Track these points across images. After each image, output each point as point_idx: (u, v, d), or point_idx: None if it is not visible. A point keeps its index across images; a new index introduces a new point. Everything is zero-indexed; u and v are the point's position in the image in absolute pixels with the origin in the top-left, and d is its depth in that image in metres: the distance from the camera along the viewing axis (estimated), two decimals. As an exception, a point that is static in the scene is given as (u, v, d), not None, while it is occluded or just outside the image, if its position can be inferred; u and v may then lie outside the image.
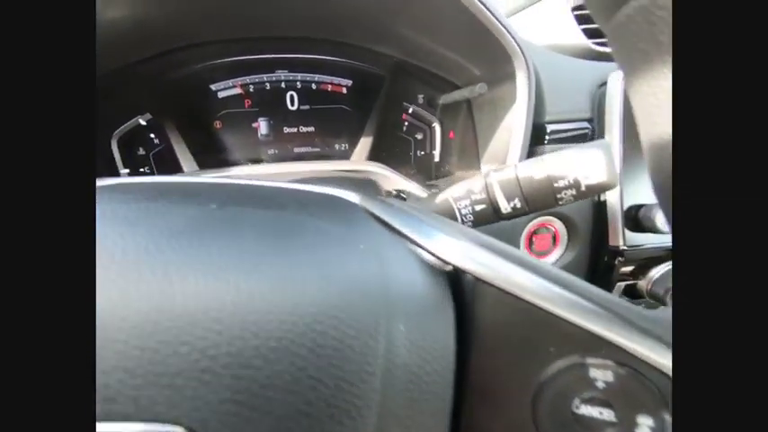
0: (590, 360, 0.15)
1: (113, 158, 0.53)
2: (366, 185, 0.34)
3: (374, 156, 0.57)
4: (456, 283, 0.16)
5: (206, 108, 0.56)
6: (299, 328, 0.12)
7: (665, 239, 0.42)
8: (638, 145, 0.18)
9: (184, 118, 0.54)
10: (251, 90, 0.57)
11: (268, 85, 0.57)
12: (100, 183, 0.17)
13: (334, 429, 0.12)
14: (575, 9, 0.50)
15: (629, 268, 0.44)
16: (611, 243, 0.43)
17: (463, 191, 0.32)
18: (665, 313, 0.16)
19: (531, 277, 0.15)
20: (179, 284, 0.12)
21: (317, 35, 0.53)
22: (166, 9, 0.39)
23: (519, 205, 0.30)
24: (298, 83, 0.58)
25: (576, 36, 0.51)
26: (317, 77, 0.58)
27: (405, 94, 0.60)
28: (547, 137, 0.43)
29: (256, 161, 0.59)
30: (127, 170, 0.54)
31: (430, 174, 0.66)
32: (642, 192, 0.42)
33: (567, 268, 0.45)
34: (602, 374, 0.14)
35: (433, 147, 0.64)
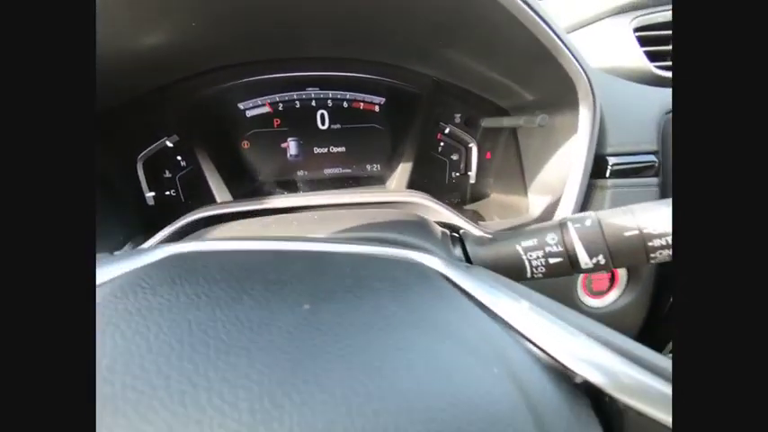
0: None
1: (139, 181, 0.50)
2: (420, 229, 0.31)
3: (411, 181, 0.54)
4: (594, 397, 0.15)
5: (234, 127, 0.53)
6: None
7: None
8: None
9: (212, 138, 0.52)
10: (280, 108, 0.54)
11: (298, 103, 0.54)
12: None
13: None
14: (637, 30, 0.46)
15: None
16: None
17: (535, 241, 0.28)
18: None
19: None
20: None
21: (352, 56, 0.50)
22: (201, 34, 0.36)
23: (603, 262, 0.27)
24: (329, 101, 0.55)
25: (635, 58, 0.47)
26: (348, 95, 0.55)
27: (441, 113, 0.57)
28: (608, 168, 0.40)
29: (286, 183, 0.56)
30: (152, 193, 0.51)
31: (465, 196, 0.63)
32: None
33: (626, 310, 0.42)
34: None
35: (468, 168, 0.61)
